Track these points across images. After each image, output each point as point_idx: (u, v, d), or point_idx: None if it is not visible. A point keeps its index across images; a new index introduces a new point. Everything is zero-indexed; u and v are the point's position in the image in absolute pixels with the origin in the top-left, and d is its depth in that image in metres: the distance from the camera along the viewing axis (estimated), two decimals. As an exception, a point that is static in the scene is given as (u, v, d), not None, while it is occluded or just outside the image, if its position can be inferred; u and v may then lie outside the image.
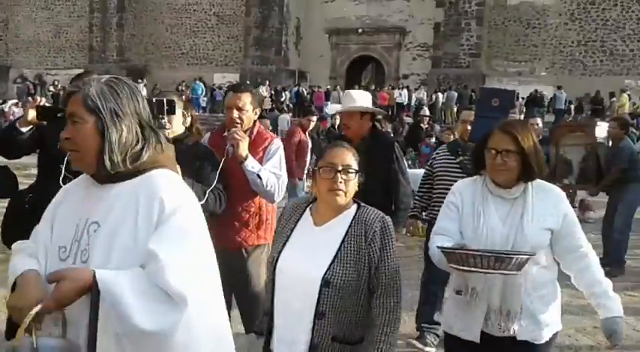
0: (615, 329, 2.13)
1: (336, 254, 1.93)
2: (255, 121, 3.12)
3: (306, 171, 7.12)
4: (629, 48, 26.61)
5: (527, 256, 2.00)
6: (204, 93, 27.58)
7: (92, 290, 1.33)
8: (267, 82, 26.57)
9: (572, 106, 23.69)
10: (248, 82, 27.00)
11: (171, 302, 1.36)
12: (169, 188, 1.48)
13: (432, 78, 27.47)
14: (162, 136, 1.59)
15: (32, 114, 2.77)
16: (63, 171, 2.24)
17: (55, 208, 1.58)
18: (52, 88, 27.27)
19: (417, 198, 3.87)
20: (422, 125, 11.41)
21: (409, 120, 19.81)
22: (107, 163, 1.46)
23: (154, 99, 2.32)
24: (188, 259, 1.42)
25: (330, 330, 1.91)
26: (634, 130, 18.73)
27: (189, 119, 2.97)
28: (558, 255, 2.21)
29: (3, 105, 23.86)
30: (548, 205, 2.18)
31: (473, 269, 1.93)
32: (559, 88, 24.29)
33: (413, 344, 3.86)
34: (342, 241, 1.95)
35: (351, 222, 1.98)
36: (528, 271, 2.10)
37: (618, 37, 26.67)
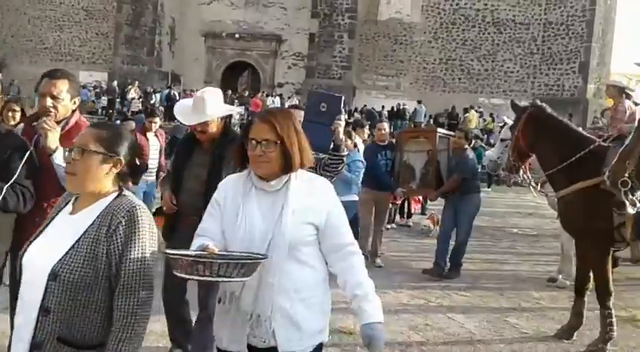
0: (372, 334, 1.98)
1: (73, 245, 1.76)
2: (73, 111, 2.93)
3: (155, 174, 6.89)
4: (483, 68, 29.08)
5: (255, 260, 1.84)
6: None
7: None
8: (137, 83, 25.69)
9: (432, 120, 25.37)
10: (116, 82, 26.03)
11: None
12: None
13: (306, 88, 28.10)
14: None
15: None
16: None
17: None
18: None
19: None
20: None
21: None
22: None
23: None
24: None
25: (56, 329, 1.71)
26: (483, 145, 20.59)
27: None
28: (324, 253, 2.09)
29: None
30: (311, 199, 2.05)
31: (196, 277, 1.75)
32: (419, 102, 25.98)
33: None
34: (85, 231, 1.78)
35: (102, 211, 1.81)
36: (287, 270, 1.98)
37: (475, 57, 29.04)
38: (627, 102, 6.45)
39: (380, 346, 2.00)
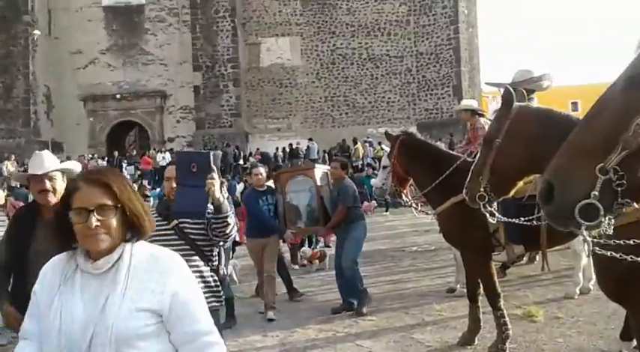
0: None
1: None
2: None
3: None
4: (367, 100, 30.40)
5: None
6: None
7: None
8: (14, 157, 24.21)
9: (326, 155, 26.00)
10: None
11: None
12: None
13: (198, 139, 27.89)
14: None
15: None
16: None
17: None
18: None
19: None
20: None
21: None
22: None
23: None
24: None
25: None
26: (376, 172, 21.28)
27: None
28: (175, 346, 1.66)
29: None
30: (150, 278, 1.64)
31: None
32: (310, 139, 26.57)
33: None
34: None
35: None
36: None
37: (357, 92, 30.32)
38: (482, 120, 6.98)
39: None
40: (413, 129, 5.59)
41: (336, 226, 6.60)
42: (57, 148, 27.54)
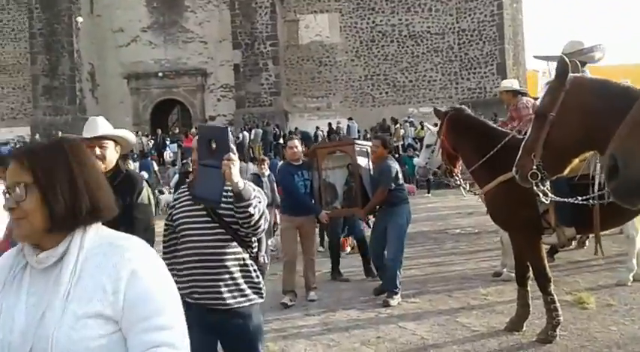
0: None
1: None
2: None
3: None
4: (407, 79, 29.86)
5: None
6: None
7: None
8: (60, 133, 24.78)
9: (369, 135, 25.78)
10: (37, 136, 25.05)
11: None
12: None
13: (238, 118, 28.00)
14: None
15: None
16: None
17: None
18: None
19: None
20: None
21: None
22: None
23: None
24: None
25: None
26: (418, 153, 21.01)
27: None
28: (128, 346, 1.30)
29: None
30: (103, 274, 1.30)
31: None
32: (350, 119, 26.35)
33: None
34: None
35: None
36: None
37: (398, 70, 29.81)
38: (524, 99, 6.75)
39: None
40: (463, 106, 5.38)
41: (374, 209, 6.20)
42: (102, 126, 28.11)
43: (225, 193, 2.43)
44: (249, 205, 2.42)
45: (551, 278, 4.44)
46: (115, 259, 1.31)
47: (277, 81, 28.60)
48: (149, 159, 22.03)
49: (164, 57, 30.26)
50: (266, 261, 2.94)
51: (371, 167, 6.38)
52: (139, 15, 30.09)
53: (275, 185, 8.11)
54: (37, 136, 25.15)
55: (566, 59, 2.86)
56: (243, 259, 2.64)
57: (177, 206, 2.79)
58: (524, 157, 2.90)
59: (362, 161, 6.40)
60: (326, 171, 6.39)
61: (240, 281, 2.63)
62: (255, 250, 2.73)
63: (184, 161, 15.74)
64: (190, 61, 30.20)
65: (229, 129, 2.44)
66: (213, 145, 2.32)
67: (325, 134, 25.58)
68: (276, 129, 26.03)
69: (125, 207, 2.90)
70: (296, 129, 26.94)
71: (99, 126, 3.07)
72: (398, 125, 25.42)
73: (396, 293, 5.80)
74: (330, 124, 26.49)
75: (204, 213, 2.61)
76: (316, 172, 6.33)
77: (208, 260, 2.61)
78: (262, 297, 2.73)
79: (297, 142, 6.36)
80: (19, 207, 1.31)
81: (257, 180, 7.36)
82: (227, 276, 2.61)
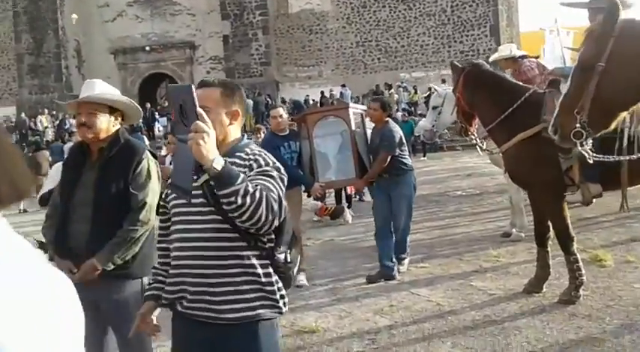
0: None
1: None
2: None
3: None
4: (400, 44, 29.35)
5: None
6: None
7: None
8: (47, 111, 24.33)
9: (362, 101, 25.42)
10: (23, 115, 24.57)
11: None
12: None
13: (228, 89, 27.54)
14: None
15: None
16: None
17: None
18: None
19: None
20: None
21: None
22: None
23: None
24: None
25: None
26: (414, 117, 20.74)
27: None
28: None
29: None
30: None
31: None
32: (343, 86, 25.97)
33: None
34: None
35: None
36: None
37: (390, 36, 29.28)
38: (526, 61, 6.47)
39: None
40: (480, 61, 5.05)
41: (374, 178, 5.49)
42: (90, 102, 27.65)
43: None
44: (234, 193, 1.72)
45: (574, 237, 4.21)
46: None
47: (267, 51, 28.10)
48: (139, 133, 21.62)
49: (151, 31, 29.61)
50: (289, 261, 2.05)
51: (368, 133, 5.74)
52: (124, -12, 29.34)
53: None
54: (23, 115, 24.69)
55: (617, 1, 2.54)
56: (249, 258, 1.93)
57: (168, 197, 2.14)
58: (565, 115, 2.59)
59: (356, 126, 5.72)
60: (317, 139, 5.61)
61: (245, 287, 1.91)
62: (270, 246, 1.99)
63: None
64: (178, 33, 29.57)
65: (193, 86, 1.77)
66: (184, 113, 1.74)
67: (318, 102, 25.21)
68: (268, 99, 25.64)
69: (123, 181, 2.63)
70: (283, 99, 26.56)
71: (94, 89, 2.69)
72: (392, 90, 25.06)
73: (405, 258, 5.53)
74: (322, 93, 26.09)
75: (200, 193, 1.88)
76: (306, 141, 5.59)
77: (201, 256, 1.92)
78: (281, 312, 1.99)
79: (281, 111, 5.66)
80: None
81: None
82: (226, 280, 1.90)
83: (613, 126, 2.68)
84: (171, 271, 2.03)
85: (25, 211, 11.85)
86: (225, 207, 1.77)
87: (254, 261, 1.94)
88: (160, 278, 2.10)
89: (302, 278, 5.29)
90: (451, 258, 5.82)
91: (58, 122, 23.43)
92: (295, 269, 2.15)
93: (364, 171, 5.51)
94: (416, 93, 25.46)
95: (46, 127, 22.34)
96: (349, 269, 5.76)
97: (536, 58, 7.47)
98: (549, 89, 4.55)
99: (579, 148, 2.62)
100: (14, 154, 0.92)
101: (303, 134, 5.67)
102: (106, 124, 2.66)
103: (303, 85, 29.24)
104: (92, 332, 2.47)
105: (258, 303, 1.93)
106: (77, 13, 28.50)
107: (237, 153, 1.99)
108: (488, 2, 27.93)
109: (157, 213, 2.51)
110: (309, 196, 6.56)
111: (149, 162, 2.70)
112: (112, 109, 2.69)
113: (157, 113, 26.72)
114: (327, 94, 25.72)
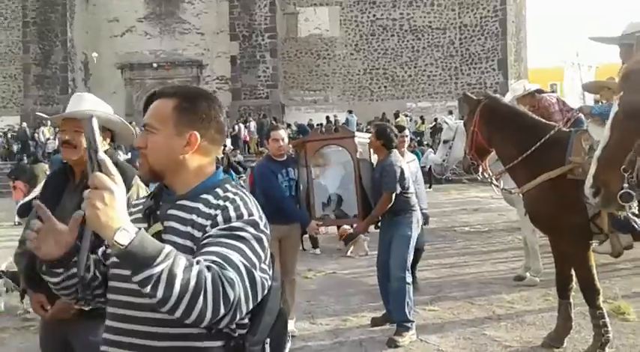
0: None
1: None
2: None
3: None
4: (407, 73, 29.38)
5: None
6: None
7: None
8: (50, 123, 24.11)
9: (365, 129, 25.27)
10: (25, 124, 24.37)
11: None
12: None
13: (234, 110, 27.41)
14: None
15: None
16: None
17: None
18: None
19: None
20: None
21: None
22: None
23: None
24: None
25: None
26: (422, 148, 20.55)
27: None
28: None
29: None
30: None
31: None
32: (350, 112, 25.85)
33: None
34: None
35: None
36: None
37: (397, 65, 29.31)
38: (546, 95, 6.27)
39: None
40: (496, 94, 4.79)
41: (376, 220, 4.81)
42: (94, 116, 27.51)
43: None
44: (148, 281, 1.21)
45: (599, 289, 3.89)
46: None
47: (274, 73, 28.06)
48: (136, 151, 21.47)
49: (160, 48, 29.65)
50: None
51: (371, 164, 5.01)
52: (135, 5, 29.47)
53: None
54: (25, 125, 24.50)
55: None
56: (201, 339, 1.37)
57: None
58: (608, 171, 2.15)
59: (362, 156, 4.98)
60: (316, 170, 4.99)
61: None
62: (242, 333, 1.42)
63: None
64: (186, 52, 29.60)
65: (94, 120, 1.34)
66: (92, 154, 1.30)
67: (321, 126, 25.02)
68: (274, 123, 25.49)
69: None
70: (289, 124, 26.35)
71: (83, 104, 2.44)
72: (399, 119, 24.91)
73: (408, 329, 4.46)
74: (327, 118, 25.93)
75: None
76: (304, 170, 4.94)
77: (141, 347, 1.41)
78: None
79: (282, 133, 4.89)
80: None
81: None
82: None
83: None
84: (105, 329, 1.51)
85: (19, 224, 11.54)
86: (147, 295, 1.23)
87: (209, 345, 1.37)
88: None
89: (291, 327, 4.58)
90: (461, 301, 5.48)
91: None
92: None
93: (368, 209, 4.77)
94: (423, 123, 25.35)
95: (48, 139, 22.10)
96: (353, 308, 5.41)
97: (552, 92, 7.27)
98: (575, 128, 4.30)
99: (627, 213, 2.27)
100: None
101: (301, 162, 5.01)
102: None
103: (308, 109, 29.16)
104: None
105: None
106: (86, 26, 28.57)
107: (204, 196, 1.46)
108: (497, 36, 28.02)
109: None
110: (304, 234, 5.99)
111: (138, 189, 2.40)
112: (102, 128, 2.41)
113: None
114: (332, 120, 25.58)
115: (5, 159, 23.29)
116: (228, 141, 18.60)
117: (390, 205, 4.61)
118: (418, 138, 23.40)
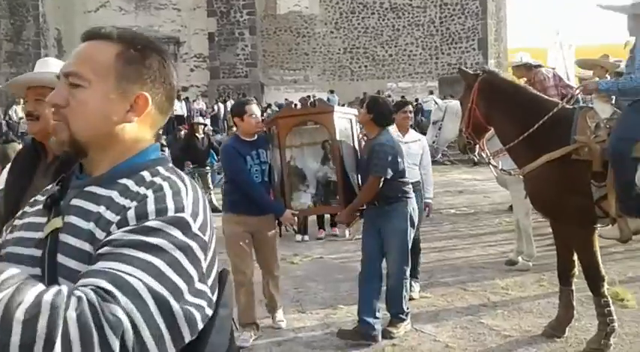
0: None
1: None
2: None
3: None
4: (387, 53, 29.09)
5: None
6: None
7: None
8: (22, 101, 23.41)
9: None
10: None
11: None
12: None
13: (212, 89, 26.94)
14: None
15: None
16: None
17: None
18: None
19: None
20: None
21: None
22: None
23: None
24: None
25: None
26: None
27: None
28: None
29: None
30: None
31: None
32: (331, 92, 25.55)
33: None
34: None
35: None
36: None
37: (378, 44, 29.00)
38: (543, 70, 6.12)
39: None
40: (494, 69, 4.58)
41: (361, 208, 4.18)
42: (67, 94, 26.85)
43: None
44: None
45: (604, 276, 3.74)
46: None
47: (254, 51, 27.54)
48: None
49: (134, 24, 28.74)
50: None
51: (357, 144, 4.45)
52: (108, -21, 28.61)
53: None
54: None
55: None
56: None
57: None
58: None
59: (344, 135, 4.31)
60: (291, 151, 4.31)
61: None
62: None
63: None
64: (162, 28, 28.83)
65: None
66: None
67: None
68: (241, 97, 25.08)
69: None
70: (269, 104, 25.97)
71: (48, 68, 2.12)
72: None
73: (403, 320, 4.18)
74: (308, 97, 25.58)
75: (40, 254, 1.05)
76: (277, 152, 4.24)
77: None
78: None
79: (255, 108, 4.22)
80: None
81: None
82: None
83: None
84: None
85: None
86: None
87: None
88: None
89: (281, 318, 4.46)
90: (454, 287, 5.31)
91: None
92: None
93: (352, 195, 4.14)
94: (434, 101, 25.15)
95: (21, 118, 21.38)
96: (342, 296, 5.20)
97: (554, 68, 7.14)
98: (579, 105, 4.12)
99: None
100: None
101: (274, 143, 4.28)
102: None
103: (288, 88, 28.73)
104: None
105: None
106: (59, 1, 27.67)
107: (123, 181, 1.05)
108: (477, 15, 27.83)
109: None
110: (279, 225, 5.41)
111: None
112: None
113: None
114: (311, 99, 25.26)
115: (-25, 139, 22.61)
116: (208, 121, 18.14)
117: (374, 192, 3.99)
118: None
